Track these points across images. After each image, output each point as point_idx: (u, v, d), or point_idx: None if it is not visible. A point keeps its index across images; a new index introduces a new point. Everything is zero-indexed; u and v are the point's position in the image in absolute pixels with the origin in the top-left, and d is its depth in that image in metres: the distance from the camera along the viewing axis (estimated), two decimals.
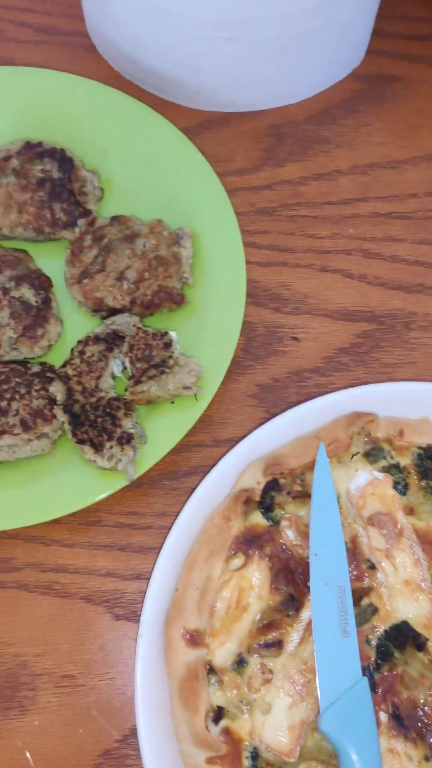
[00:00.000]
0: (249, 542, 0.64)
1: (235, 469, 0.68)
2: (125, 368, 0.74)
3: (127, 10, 0.79)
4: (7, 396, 0.71)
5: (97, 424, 0.68)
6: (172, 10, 0.75)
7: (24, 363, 0.74)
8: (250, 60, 0.83)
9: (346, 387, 0.75)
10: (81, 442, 0.68)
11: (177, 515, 0.67)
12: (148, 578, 0.69)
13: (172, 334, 0.73)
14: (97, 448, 0.67)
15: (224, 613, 0.63)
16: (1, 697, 0.66)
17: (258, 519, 0.66)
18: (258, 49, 0.81)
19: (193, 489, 0.72)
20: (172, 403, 0.71)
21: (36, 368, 0.74)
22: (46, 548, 0.71)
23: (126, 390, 0.71)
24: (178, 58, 0.81)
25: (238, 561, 0.64)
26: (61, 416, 0.70)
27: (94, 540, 0.71)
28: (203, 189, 0.80)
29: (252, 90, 0.87)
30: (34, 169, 0.80)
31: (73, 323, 0.77)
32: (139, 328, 0.73)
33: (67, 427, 0.69)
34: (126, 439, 0.67)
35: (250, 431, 0.73)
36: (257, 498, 0.66)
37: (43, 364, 0.74)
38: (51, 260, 0.80)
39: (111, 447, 0.67)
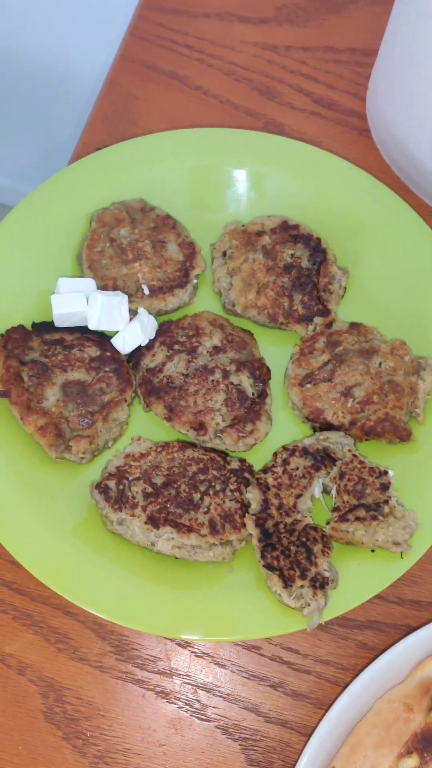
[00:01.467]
0: (428, 743, 0.57)
1: (424, 648, 0.61)
2: (326, 492, 0.68)
3: None
4: (202, 488, 0.66)
5: (290, 553, 0.63)
6: None
7: (223, 454, 0.70)
8: None
9: None
10: (269, 568, 0.62)
11: (353, 677, 0.60)
12: (294, 729, 0.63)
13: (391, 474, 0.66)
14: (286, 582, 0.61)
15: None
16: None
17: None
18: None
19: (367, 645, 0.66)
20: (373, 551, 0.64)
21: (235, 464, 0.69)
22: (196, 659, 0.66)
23: (327, 523, 0.65)
24: None
25: (411, 762, 0.56)
26: (252, 529, 0.64)
27: (247, 666, 0.66)
28: None
29: None
30: (285, 252, 0.75)
31: (280, 423, 0.72)
32: (354, 456, 0.67)
33: (256, 543, 0.64)
34: (320, 584, 0.61)
35: None
36: None
37: (242, 461, 0.69)
38: (273, 348, 0.75)
39: (302, 586, 0.61)
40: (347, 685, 0.63)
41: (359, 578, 0.63)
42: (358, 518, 0.64)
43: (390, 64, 0.80)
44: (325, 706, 0.64)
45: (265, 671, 0.65)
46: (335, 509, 0.65)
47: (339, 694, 0.61)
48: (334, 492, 0.66)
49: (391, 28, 0.80)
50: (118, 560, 0.65)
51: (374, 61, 0.88)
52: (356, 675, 0.62)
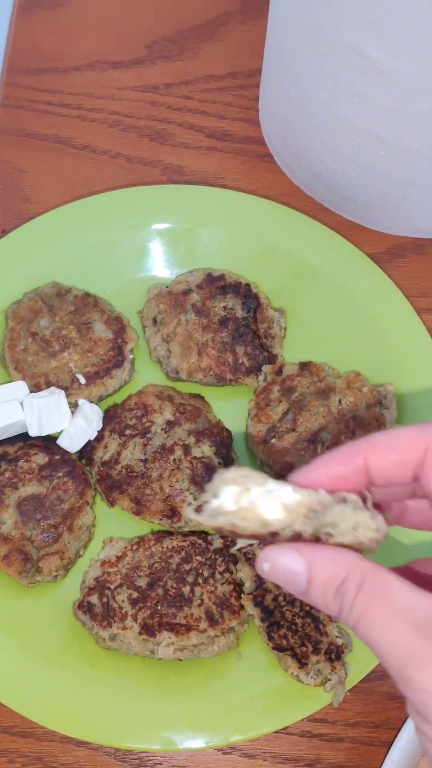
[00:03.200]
0: None
1: None
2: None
3: (333, 135, 0.71)
4: (189, 580, 0.62)
5: (297, 628, 0.59)
6: (392, 142, 0.66)
7: (204, 534, 0.66)
8: None
9: None
10: (280, 649, 0.59)
11: (389, 733, 0.57)
12: None
13: None
14: (301, 662, 0.58)
15: None
16: None
17: None
18: None
19: (393, 695, 0.63)
20: None
21: (218, 542, 0.65)
22: (224, 758, 0.62)
23: None
24: (382, 186, 0.72)
25: None
26: (251, 609, 0.61)
27: (278, 751, 0.62)
28: (403, 335, 0.71)
29: None
30: (216, 307, 0.72)
31: None
32: None
33: (259, 624, 0.60)
34: (336, 654, 0.58)
35: None
36: None
37: (224, 537, 0.66)
38: (227, 404, 0.71)
39: (317, 662, 0.58)
40: (387, 745, 0.61)
41: None
42: None
43: (277, 85, 0.76)
44: None
45: (298, 751, 0.62)
46: None
47: (380, 757, 0.59)
48: None
49: (270, 48, 0.76)
50: (119, 675, 0.61)
51: (258, 81, 0.85)
52: (392, 731, 0.60)
